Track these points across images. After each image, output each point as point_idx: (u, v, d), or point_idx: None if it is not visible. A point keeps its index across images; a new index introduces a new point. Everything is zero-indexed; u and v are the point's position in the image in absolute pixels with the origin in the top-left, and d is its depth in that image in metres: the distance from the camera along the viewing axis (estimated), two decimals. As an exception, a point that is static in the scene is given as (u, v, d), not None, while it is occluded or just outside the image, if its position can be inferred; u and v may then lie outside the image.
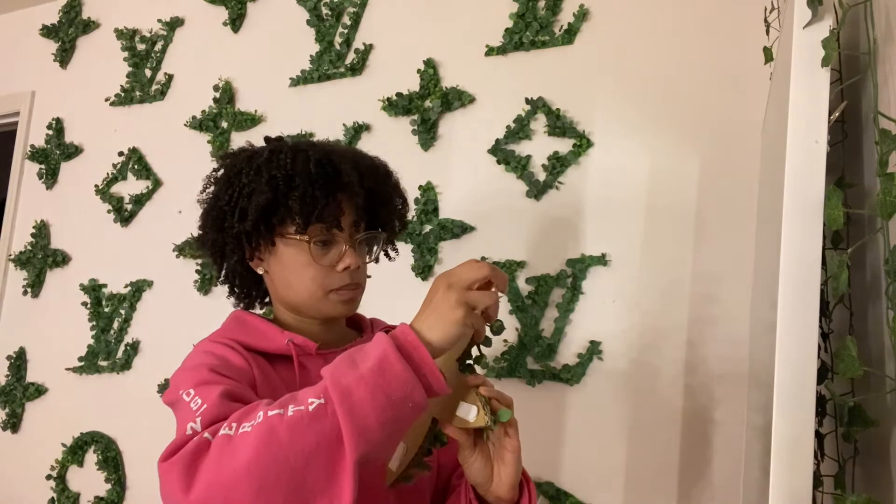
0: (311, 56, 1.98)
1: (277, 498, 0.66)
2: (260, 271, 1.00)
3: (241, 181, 0.95)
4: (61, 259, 2.29)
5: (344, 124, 1.88)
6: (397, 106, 1.82)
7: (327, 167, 0.95)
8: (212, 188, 1.00)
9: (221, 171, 1.00)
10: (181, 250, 2.08)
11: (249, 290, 1.05)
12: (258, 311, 1.07)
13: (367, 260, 1.03)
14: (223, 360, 0.89)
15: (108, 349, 2.13)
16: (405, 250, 1.75)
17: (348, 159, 0.98)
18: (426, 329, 0.73)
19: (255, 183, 0.94)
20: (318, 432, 0.67)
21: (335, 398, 0.67)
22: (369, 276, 1.07)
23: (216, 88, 2.11)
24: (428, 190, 1.75)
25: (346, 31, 1.95)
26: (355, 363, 0.70)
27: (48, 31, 2.47)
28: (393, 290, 1.75)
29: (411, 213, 1.76)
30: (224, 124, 2.09)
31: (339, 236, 0.95)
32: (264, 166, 0.95)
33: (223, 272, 1.04)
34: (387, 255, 1.11)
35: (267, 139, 1.04)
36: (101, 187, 2.26)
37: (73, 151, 2.35)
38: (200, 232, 1.02)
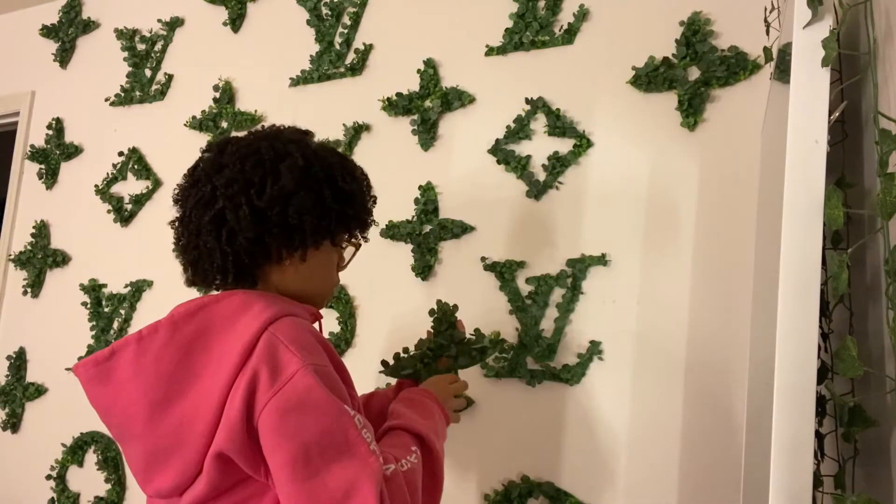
0: (311, 56, 1.98)
1: None
2: (287, 262, 1.04)
3: (315, 185, 1.01)
4: (61, 259, 2.29)
5: (344, 124, 1.88)
6: (397, 106, 1.82)
7: (372, 190, 1.15)
8: (259, 173, 0.99)
9: (277, 158, 1.00)
10: (181, 250, 2.08)
11: (249, 270, 1.03)
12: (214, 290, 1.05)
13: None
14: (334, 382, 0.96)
15: (108, 349, 2.13)
16: (405, 250, 1.75)
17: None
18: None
19: (324, 190, 1.02)
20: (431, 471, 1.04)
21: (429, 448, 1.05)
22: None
23: (216, 88, 2.11)
24: (428, 190, 1.75)
25: (346, 31, 1.94)
26: (425, 415, 1.12)
27: (48, 31, 2.47)
28: (393, 290, 1.75)
29: (411, 213, 1.76)
30: (224, 124, 2.09)
31: None
32: (335, 175, 1.04)
33: (230, 251, 1.00)
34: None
35: (303, 132, 1.09)
36: (100, 187, 2.26)
37: (73, 151, 2.35)
38: (246, 211, 0.97)
